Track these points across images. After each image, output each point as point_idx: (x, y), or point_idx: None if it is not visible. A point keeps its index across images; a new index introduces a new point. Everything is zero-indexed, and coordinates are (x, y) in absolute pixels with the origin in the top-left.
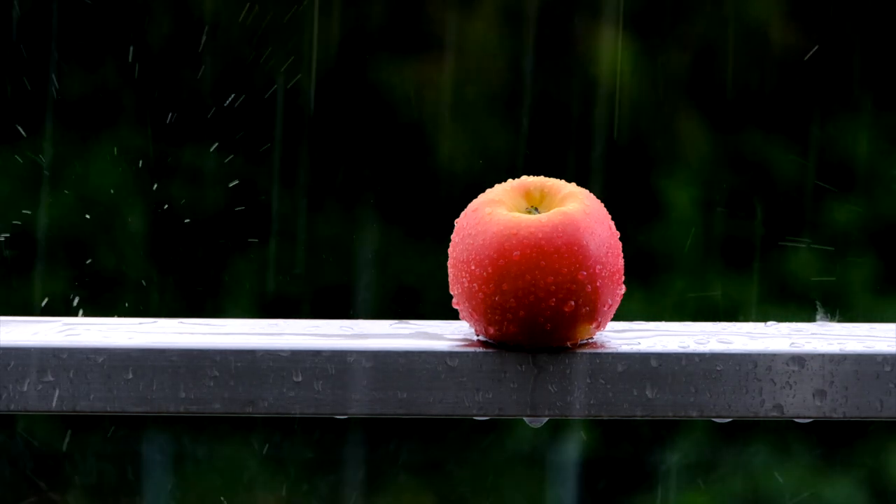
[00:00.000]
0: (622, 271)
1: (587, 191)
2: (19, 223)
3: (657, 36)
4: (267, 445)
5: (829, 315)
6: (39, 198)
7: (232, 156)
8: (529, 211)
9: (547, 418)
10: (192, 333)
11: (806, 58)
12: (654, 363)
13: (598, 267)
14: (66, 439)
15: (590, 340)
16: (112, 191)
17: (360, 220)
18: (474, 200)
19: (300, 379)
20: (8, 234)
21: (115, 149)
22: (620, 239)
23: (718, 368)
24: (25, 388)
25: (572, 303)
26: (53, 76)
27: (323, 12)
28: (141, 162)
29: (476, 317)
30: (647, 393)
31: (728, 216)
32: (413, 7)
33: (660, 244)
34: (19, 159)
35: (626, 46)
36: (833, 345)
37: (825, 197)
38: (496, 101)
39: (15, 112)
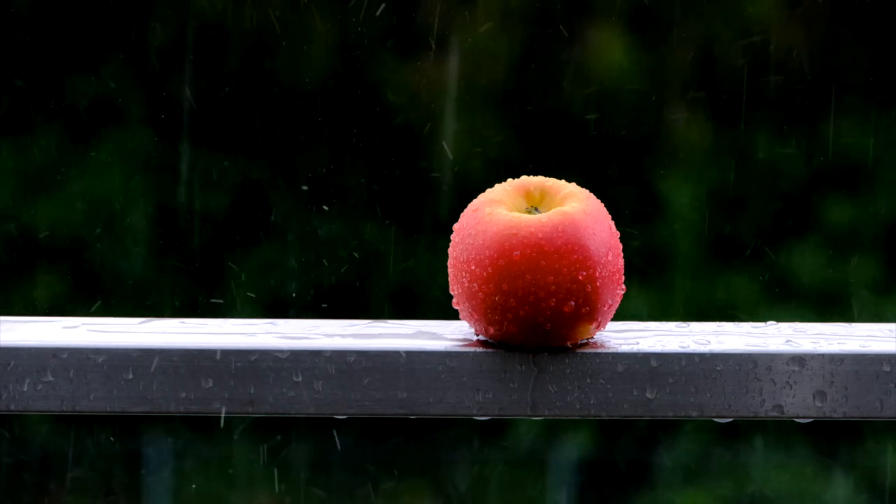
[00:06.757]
0: (622, 271)
1: (587, 191)
2: (20, 223)
3: (657, 33)
4: (267, 445)
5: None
6: (41, 198)
7: (233, 156)
8: (529, 211)
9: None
10: (192, 333)
11: (808, 56)
12: (653, 363)
13: (599, 267)
14: (67, 439)
15: (590, 340)
16: (114, 191)
17: (361, 220)
18: (474, 200)
19: (300, 379)
20: (9, 234)
21: (117, 149)
22: (620, 239)
23: (718, 368)
24: (25, 388)
25: (572, 303)
26: (58, 77)
27: (323, 13)
28: (143, 162)
29: (476, 317)
30: (647, 393)
31: (728, 215)
32: (413, 7)
33: (660, 243)
34: (21, 159)
35: (626, 44)
36: (833, 345)
37: (826, 196)
38: (496, 100)
39: (17, 112)
